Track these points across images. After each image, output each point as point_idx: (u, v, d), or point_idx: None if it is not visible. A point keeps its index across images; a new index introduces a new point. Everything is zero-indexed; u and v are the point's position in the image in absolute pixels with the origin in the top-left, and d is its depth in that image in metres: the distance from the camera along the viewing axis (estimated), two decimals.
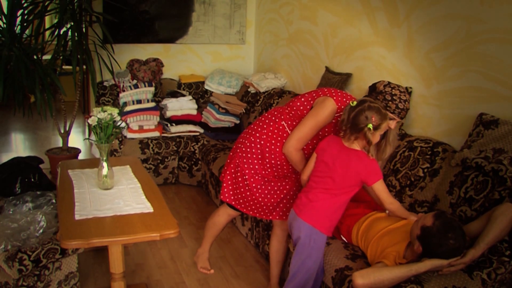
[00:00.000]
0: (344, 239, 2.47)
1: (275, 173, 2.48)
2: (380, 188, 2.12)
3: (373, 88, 2.31)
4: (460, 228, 1.89)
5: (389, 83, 2.25)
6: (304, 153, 2.40)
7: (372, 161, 2.10)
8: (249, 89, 4.58)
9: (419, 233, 1.93)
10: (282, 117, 2.43)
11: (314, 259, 2.19)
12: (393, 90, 2.21)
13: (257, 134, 2.45)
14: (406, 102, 2.21)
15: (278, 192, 2.50)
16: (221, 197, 2.57)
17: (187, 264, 3.03)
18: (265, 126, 2.45)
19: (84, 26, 4.21)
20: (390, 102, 2.19)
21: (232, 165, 2.52)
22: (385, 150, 2.33)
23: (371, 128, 1.99)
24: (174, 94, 4.49)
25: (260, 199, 2.50)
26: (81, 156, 4.56)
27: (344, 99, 2.31)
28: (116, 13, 4.39)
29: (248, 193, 2.49)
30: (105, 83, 4.48)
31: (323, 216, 2.19)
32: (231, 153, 2.60)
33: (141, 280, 2.84)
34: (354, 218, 2.45)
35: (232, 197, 2.55)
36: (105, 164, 2.37)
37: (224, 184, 2.56)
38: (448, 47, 2.63)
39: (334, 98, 2.29)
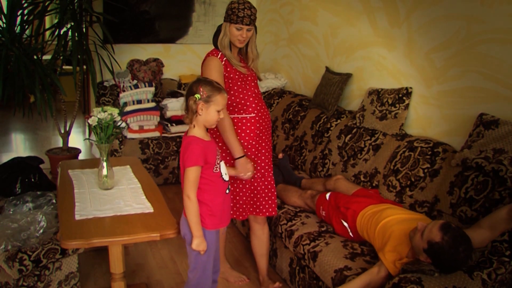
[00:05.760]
0: (346, 225, 2.47)
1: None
2: (186, 175, 1.96)
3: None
4: (467, 237, 1.89)
5: (232, 2, 2.38)
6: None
7: (191, 145, 1.96)
8: None
9: (426, 247, 1.91)
10: None
11: (207, 253, 2.10)
12: (232, 4, 2.36)
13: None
14: (245, 10, 2.34)
15: (244, 190, 2.52)
16: None
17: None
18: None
19: (84, 26, 4.22)
20: (232, 16, 2.34)
21: None
22: (249, 56, 2.51)
23: (197, 98, 1.95)
24: (174, 94, 4.49)
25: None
26: (81, 156, 4.56)
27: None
28: (117, 13, 4.40)
29: None
30: (105, 83, 4.48)
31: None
32: None
33: (141, 280, 2.84)
34: (361, 205, 2.47)
35: None
36: (105, 164, 2.37)
37: None
38: (448, 47, 2.63)
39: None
